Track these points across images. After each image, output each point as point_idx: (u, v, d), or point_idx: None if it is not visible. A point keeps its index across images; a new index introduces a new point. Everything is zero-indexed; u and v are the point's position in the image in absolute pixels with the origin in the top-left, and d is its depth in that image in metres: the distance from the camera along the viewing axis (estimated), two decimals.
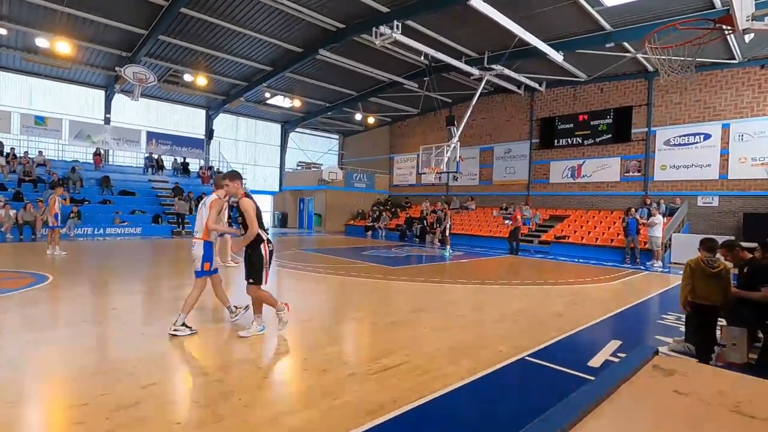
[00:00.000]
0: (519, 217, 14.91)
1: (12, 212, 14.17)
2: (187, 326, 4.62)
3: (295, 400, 3.16)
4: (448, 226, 15.20)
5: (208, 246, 4.86)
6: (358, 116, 23.80)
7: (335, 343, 4.63)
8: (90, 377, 3.45)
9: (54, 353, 4.02)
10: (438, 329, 5.11)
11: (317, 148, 29.45)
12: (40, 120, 18.19)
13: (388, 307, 6.36)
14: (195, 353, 4.28)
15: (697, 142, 14.73)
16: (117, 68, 16.51)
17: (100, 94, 20.23)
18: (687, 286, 4.34)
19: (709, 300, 4.20)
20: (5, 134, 17.58)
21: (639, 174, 16.07)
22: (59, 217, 10.72)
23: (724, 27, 6.43)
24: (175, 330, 4.54)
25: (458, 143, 16.79)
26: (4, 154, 17.14)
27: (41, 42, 14.84)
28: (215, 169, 23.44)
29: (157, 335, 4.62)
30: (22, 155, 17.51)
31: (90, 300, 6.37)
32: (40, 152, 18.27)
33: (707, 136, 14.49)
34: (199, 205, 5.06)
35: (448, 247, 15.04)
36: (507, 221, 18.13)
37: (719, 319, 4.40)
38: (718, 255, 4.37)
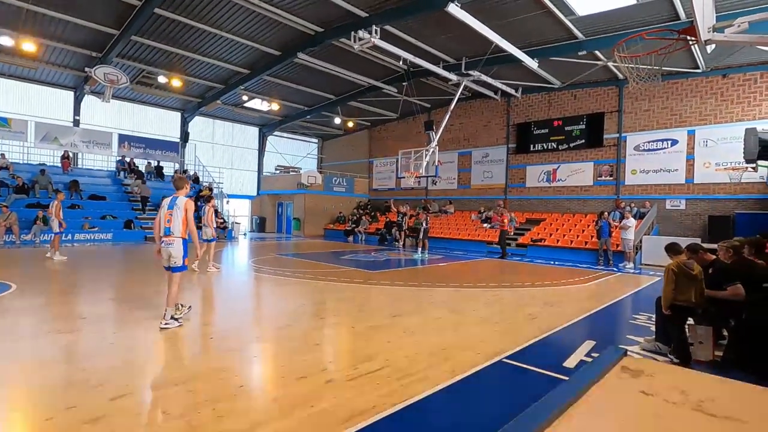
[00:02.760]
0: (506, 220, 14.93)
1: None
2: (175, 318, 5.11)
3: (272, 409, 3.11)
4: (423, 230, 15.09)
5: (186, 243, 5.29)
6: (338, 120, 23.75)
7: (313, 349, 4.58)
8: (56, 390, 3.30)
9: (17, 365, 3.83)
10: (417, 333, 5.12)
11: (296, 152, 29.19)
12: (3, 121, 17.39)
13: (367, 312, 6.34)
14: (167, 362, 4.16)
15: (665, 148, 15.31)
16: (87, 69, 15.97)
17: (69, 95, 19.54)
18: (671, 290, 4.35)
19: (689, 301, 4.34)
20: None
21: (611, 178, 16.58)
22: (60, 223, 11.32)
23: (687, 38, 6.72)
24: (166, 324, 4.99)
25: (437, 147, 16.95)
26: None
27: (5, 41, 14.19)
28: (191, 173, 22.94)
29: (127, 345, 4.47)
30: None
31: (57, 309, 6.10)
32: (3, 155, 17.47)
33: (674, 142, 15.09)
34: (172, 206, 5.28)
35: (426, 251, 15.03)
36: (486, 225, 18.41)
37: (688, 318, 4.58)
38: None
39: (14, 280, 7.69)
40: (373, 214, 23.72)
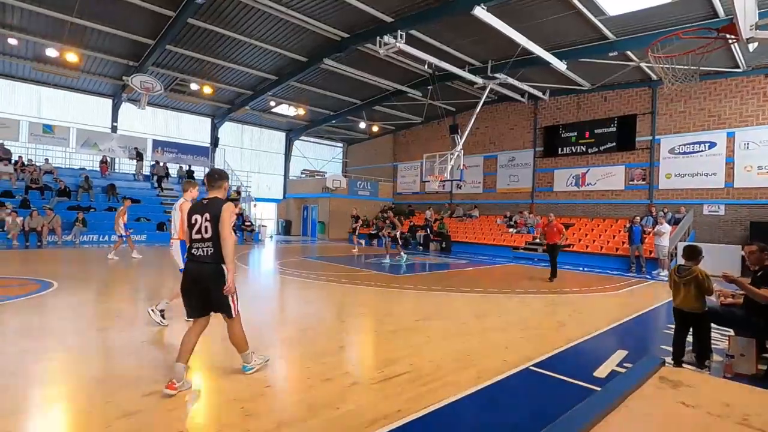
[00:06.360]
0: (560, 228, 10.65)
1: (19, 219, 14.29)
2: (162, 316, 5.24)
3: (297, 410, 3.14)
4: (398, 234, 14.18)
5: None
6: (362, 124, 23.92)
7: (338, 351, 4.60)
8: (92, 385, 3.44)
9: (55, 361, 4.02)
10: (441, 338, 5.07)
11: (321, 156, 29.57)
12: (48, 128, 18.42)
13: (391, 316, 6.33)
14: (197, 361, 4.27)
15: (702, 151, 14.67)
16: (124, 77, 16.73)
17: (108, 102, 20.49)
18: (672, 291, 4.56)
19: (681, 305, 4.33)
20: (14, 142, 17.79)
21: (644, 182, 16.00)
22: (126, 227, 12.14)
23: (727, 36, 6.44)
24: (152, 310, 5.22)
25: (462, 151, 16.82)
26: (12, 162, 17.34)
27: (50, 52, 15.07)
28: None
29: (160, 342, 4.62)
30: (27, 163, 17.71)
31: (94, 307, 6.38)
32: (47, 160, 18.46)
33: (712, 145, 14.44)
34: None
35: (403, 254, 14.12)
36: (512, 230, 18.08)
37: (729, 329, 4.36)
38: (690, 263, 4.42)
39: (56, 279, 8.09)
40: (397, 218, 23.67)
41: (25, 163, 17.69)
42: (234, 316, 3.57)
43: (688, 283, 4.25)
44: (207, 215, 3.43)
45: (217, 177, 3.70)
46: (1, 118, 17.60)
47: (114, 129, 20.47)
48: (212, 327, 5.44)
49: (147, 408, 3.03)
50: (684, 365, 4.34)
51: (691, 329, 4.45)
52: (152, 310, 5.22)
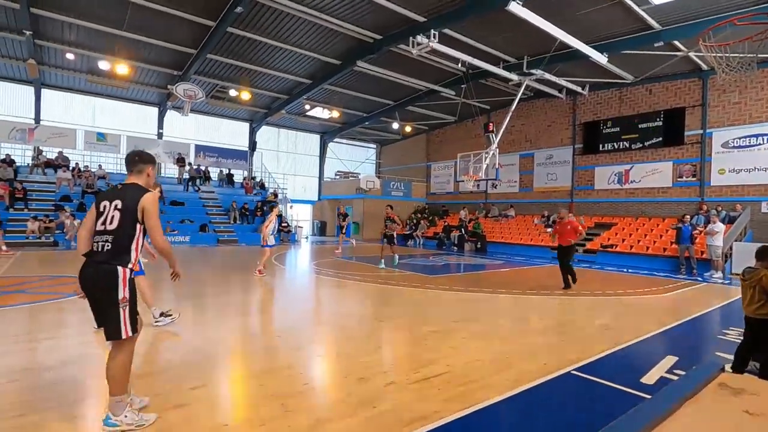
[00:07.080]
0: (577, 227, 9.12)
1: (76, 222, 15.33)
2: (165, 315, 5.24)
3: (335, 408, 3.18)
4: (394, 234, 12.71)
5: None
6: (395, 125, 23.95)
7: (374, 351, 4.63)
8: (141, 379, 3.63)
9: (106, 355, 4.27)
10: (479, 339, 5.00)
11: (355, 158, 29.87)
12: (101, 136, 19.68)
13: (427, 316, 6.29)
14: (239, 358, 4.42)
15: (759, 144, 13.66)
16: (169, 86, 17.58)
17: (154, 111, 21.62)
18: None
19: (746, 311, 3.90)
20: (71, 150, 19.15)
21: (694, 179, 15.09)
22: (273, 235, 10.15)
23: None
24: (156, 322, 5.14)
25: (497, 150, 16.50)
26: (70, 168, 18.63)
27: (103, 64, 16.09)
28: (258, 180, 24.31)
29: (204, 339, 4.81)
30: (84, 169, 19.01)
31: (142, 305, 6.72)
32: (100, 166, 19.72)
33: None
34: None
35: (396, 257, 12.72)
36: (549, 230, 17.54)
37: None
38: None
39: None
40: (431, 218, 23.57)
41: (82, 169, 18.97)
42: (124, 337, 2.77)
43: (752, 286, 3.85)
44: (117, 203, 2.79)
45: (137, 159, 3.00)
46: (61, 127, 18.97)
47: (160, 135, 21.58)
48: (246, 326, 5.61)
49: (193, 401, 3.17)
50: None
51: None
52: (156, 322, 5.13)
